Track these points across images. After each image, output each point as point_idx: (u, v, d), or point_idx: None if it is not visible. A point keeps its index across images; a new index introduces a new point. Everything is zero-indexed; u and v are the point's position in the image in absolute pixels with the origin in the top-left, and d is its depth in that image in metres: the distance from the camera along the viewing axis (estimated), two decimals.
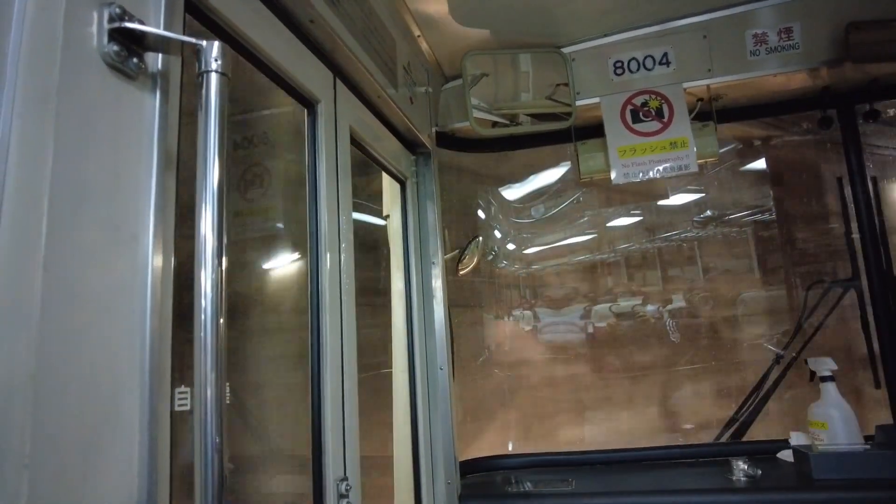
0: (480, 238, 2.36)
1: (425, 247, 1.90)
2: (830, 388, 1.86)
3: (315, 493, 1.12)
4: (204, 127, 0.69)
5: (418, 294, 1.85)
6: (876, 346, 2.04)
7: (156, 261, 0.71)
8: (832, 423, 1.80)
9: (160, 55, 0.72)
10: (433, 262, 1.90)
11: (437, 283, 1.89)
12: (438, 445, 1.78)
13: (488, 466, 2.14)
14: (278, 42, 1.10)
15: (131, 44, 0.67)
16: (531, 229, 2.96)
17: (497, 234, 2.89)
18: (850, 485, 1.62)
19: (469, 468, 2.09)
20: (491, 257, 2.77)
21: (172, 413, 0.77)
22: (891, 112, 2.22)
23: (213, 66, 0.69)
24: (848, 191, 2.14)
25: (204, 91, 0.69)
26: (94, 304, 0.63)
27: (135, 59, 0.67)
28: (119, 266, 0.67)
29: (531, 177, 2.91)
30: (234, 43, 0.97)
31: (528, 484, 1.89)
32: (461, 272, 2.37)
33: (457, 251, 2.24)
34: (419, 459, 1.72)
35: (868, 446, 1.74)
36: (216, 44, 0.69)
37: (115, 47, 0.65)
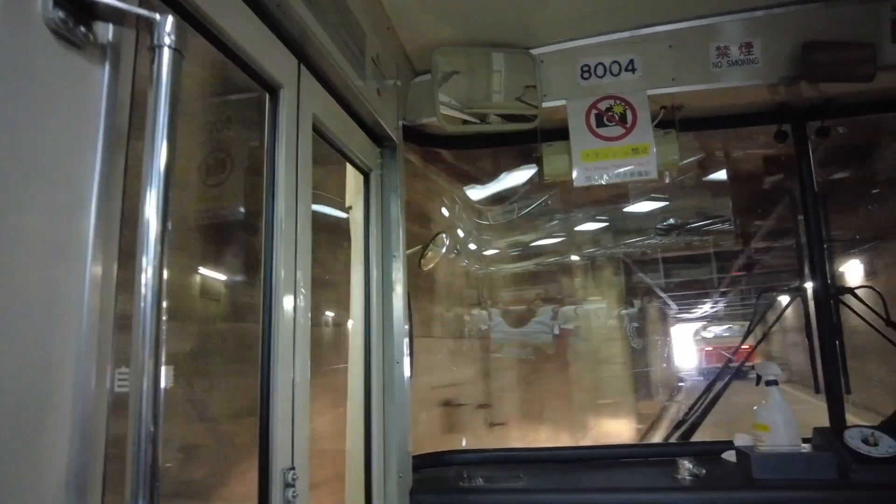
0: (444, 234, 2.37)
1: (387, 240, 1.90)
2: (774, 392, 1.92)
3: (261, 482, 1.11)
4: (154, 105, 0.67)
5: (378, 287, 1.85)
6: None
7: (99, 241, 0.69)
8: (774, 425, 1.87)
9: (111, 26, 0.70)
10: (394, 256, 1.89)
11: (398, 277, 1.89)
12: (392, 439, 1.78)
13: (441, 461, 2.15)
14: (241, 24, 1.08)
15: (79, 11, 0.65)
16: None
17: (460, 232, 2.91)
18: (787, 484, 1.68)
19: (422, 462, 2.10)
20: (454, 255, 2.78)
21: (111, 395, 0.75)
22: (839, 130, 2.31)
23: (167, 41, 0.67)
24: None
25: (155, 67, 0.67)
26: (29, 282, 0.61)
27: (82, 28, 0.65)
28: (58, 245, 0.65)
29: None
30: (193, 21, 0.95)
31: (480, 479, 1.90)
32: (424, 268, 2.38)
33: (419, 246, 2.25)
34: (371, 452, 1.72)
35: (805, 448, 1.81)
36: (170, 18, 0.67)
37: (61, 14, 0.62)
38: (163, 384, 0.66)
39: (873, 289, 2.14)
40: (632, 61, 2.04)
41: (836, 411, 2.03)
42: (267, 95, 1.24)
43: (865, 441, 1.74)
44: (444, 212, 2.78)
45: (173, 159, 0.68)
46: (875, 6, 1.89)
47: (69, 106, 0.66)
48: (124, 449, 0.72)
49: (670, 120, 2.12)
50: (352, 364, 1.78)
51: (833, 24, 1.91)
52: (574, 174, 2.03)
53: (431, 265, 2.30)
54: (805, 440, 1.87)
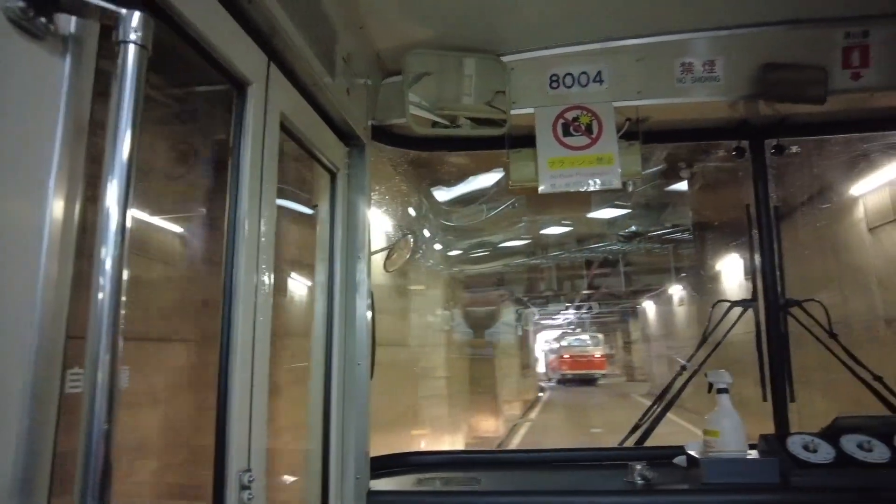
0: (410, 235, 2.37)
1: (352, 241, 1.88)
2: (725, 400, 1.98)
3: (216, 483, 1.10)
4: (117, 102, 0.65)
5: (341, 288, 1.83)
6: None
7: (55, 236, 0.67)
8: (723, 431, 1.93)
9: (74, 18, 0.68)
10: (359, 257, 1.89)
11: (362, 278, 1.88)
12: (350, 440, 1.77)
13: (400, 463, 2.16)
14: (210, 18, 1.06)
15: (41, 2, 0.63)
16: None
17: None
18: (733, 488, 1.75)
19: (380, 464, 2.10)
20: (419, 255, 2.78)
21: (62, 396, 0.73)
22: (793, 149, 2.40)
23: (132, 36, 0.66)
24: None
25: (120, 62, 0.66)
26: None
27: (42, 19, 0.63)
28: (12, 239, 0.63)
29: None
30: (161, 13, 0.93)
31: (438, 482, 1.91)
32: (389, 270, 2.37)
33: (385, 247, 2.24)
34: (329, 453, 1.71)
35: (751, 454, 1.88)
36: (137, 13, 0.66)
37: (21, 3, 0.61)
38: (120, 382, 0.65)
39: (819, 302, 2.24)
40: (599, 73, 2.08)
41: (781, 418, 2.12)
42: (235, 92, 1.22)
43: (806, 447, 1.82)
44: None
45: (135, 155, 0.67)
46: (830, 31, 1.98)
47: (26, 97, 0.64)
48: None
49: (634, 132, 2.18)
50: (312, 364, 1.76)
51: (791, 47, 1.99)
52: (540, 182, 2.07)
53: (396, 266, 2.29)
54: (752, 446, 1.94)
